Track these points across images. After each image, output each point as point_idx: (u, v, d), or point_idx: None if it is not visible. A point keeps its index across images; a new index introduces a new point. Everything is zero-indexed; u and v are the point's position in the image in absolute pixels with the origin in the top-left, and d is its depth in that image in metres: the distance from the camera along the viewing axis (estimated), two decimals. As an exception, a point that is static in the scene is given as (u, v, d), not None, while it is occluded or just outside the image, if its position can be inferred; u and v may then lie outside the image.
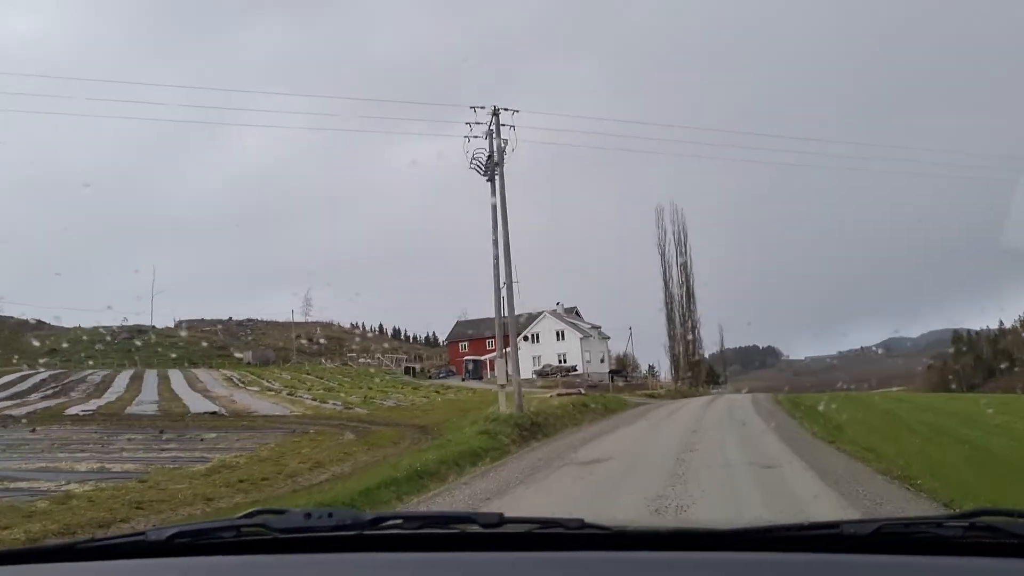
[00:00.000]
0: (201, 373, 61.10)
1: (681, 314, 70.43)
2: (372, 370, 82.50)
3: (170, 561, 1.64)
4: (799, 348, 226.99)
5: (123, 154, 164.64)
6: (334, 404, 29.30)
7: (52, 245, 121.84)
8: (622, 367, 74.53)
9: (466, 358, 69.15)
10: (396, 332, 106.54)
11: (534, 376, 63.45)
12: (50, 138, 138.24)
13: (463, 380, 63.77)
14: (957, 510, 2.46)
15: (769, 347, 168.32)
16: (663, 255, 72.44)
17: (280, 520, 1.68)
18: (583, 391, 41.81)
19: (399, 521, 1.67)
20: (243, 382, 52.78)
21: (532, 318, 68.07)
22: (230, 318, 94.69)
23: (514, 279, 25.17)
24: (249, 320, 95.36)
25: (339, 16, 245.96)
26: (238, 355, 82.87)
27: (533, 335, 68.50)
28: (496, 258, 24.24)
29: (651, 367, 76.91)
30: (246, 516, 1.76)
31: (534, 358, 67.09)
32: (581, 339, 66.66)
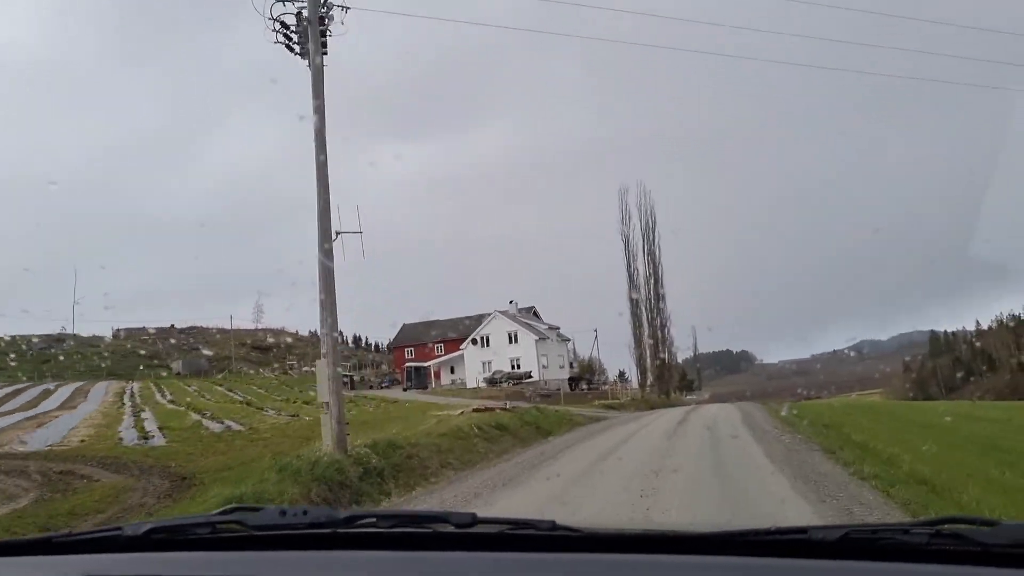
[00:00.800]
0: (103, 386, 54.14)
1: (649, 311, 61.76)
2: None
3: (146, 556, 1.66)
4: (772, 352, 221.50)
5: (86, 158, 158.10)
6: (131, 432, 22.25)
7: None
8: (589, 372, 66.96)
9: (407, 364, 61.34)
10: (357, 339, 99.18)
11: (483, 384, 55.87)
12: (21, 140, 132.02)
13: (405, 390, 56.16)
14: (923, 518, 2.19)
15: (743, 351, 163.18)
16: (627, 243, 62.93)
17: (255, 517, 1.70)
18: (507, 405, 34.27)
19: (373, 520, 1.69)
20: (134, 396, 45.51)
21: (481, 319, 60.50)
22: (172, 325, 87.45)
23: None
24: (193, 327, 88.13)
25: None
26: (172, 365, 76.01)
27: (483, 338, 60.80)
28: (320, 186, 14.95)
29: (621, 373, 69.06)
30: (222, 513, 1.78)
31: (484, 363, 59.44)
32: (537, 341, 58.89)
